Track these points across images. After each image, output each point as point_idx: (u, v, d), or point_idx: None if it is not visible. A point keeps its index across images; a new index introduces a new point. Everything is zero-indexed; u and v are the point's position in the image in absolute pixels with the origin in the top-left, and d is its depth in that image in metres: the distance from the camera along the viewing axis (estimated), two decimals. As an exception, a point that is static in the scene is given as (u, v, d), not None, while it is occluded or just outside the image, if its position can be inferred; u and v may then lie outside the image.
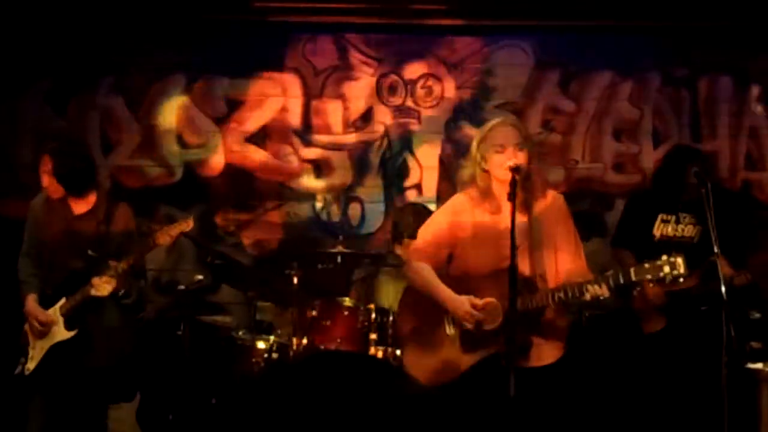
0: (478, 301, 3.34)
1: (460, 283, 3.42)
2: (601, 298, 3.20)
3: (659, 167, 5.03)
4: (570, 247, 3.47)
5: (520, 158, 3.35)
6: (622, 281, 3.18)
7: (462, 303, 3.35)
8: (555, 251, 3.44)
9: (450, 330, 3.45)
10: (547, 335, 3.40)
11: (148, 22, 5.86)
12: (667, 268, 3.11)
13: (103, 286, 3.94)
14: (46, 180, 4.15)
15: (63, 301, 4.08)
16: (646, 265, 3.16)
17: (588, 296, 3.20)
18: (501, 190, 3.38)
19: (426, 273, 3.50)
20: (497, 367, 3.22)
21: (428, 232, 3.60)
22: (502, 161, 3.35)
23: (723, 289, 3.81)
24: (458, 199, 3.58)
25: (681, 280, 3.14)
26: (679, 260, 3.11)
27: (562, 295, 3.27)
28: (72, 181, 4.14)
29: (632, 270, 3.18)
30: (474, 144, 3.49)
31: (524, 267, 3.33)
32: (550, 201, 3.51)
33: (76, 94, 5.94)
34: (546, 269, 3.40)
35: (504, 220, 3.34)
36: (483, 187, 3.45)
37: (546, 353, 3.39)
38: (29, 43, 5.85)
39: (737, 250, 4.67)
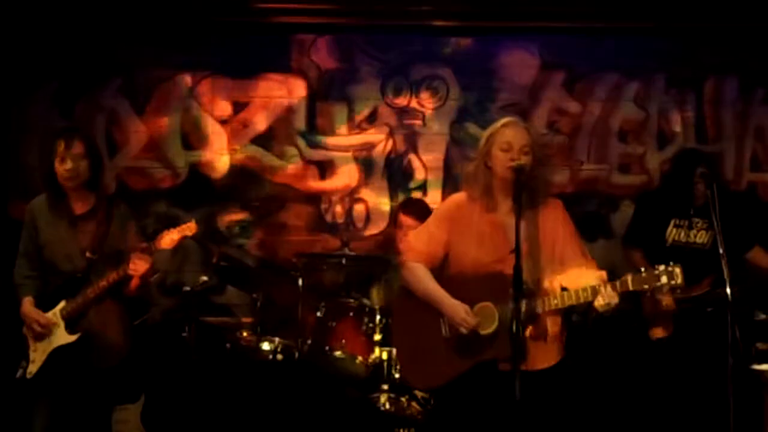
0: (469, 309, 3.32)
1: (456, 283, 3.39)
2: (612, 303, 3.15)
3: (667, 171, 5.01)
4: (576, 250, 3.43)
5: (524, 161, 3.34)
6: (619, 290, 3.16)
7: (457, 309, 3.32)
8: (559, 256, 3.40)
9: (446, 332, 3.41)
10: (542, 339, 3.37)
11: (154, 24, 5.86)
12: (664, 278, 3.09)
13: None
14: (69, 164, 3.95)
15: (63, 303, 4.00)
16: (644, 274, 3.13)
17: (602, 300, 3.15)
18: (500, 189, 3.39)
19: (421, 274, 3.47)
20: (491, 372, 3.24)
21: (424, 231, 3.58)
22: (506, 160, 3.34)
23: (728, 290, 3.80)
24: (456, 198, 3.59)
25: (678, 291, 3.10)
26: (677, 270, 3.09)
27: (573, 300, 3.23)
28: (96, 167, 4.06)
29: (630, 278, 3.15)
30: (483, 138, 3.49)
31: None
32: (550, 206, 3.48)
33: (82, 96, 5.95)
34: (543, 274, 3.37)
35: (500, 219, 3.37)
36: (484, 184, 3.43)
37: (542, 357, 3.36)
38: (36, 46, 5.86)
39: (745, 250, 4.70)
